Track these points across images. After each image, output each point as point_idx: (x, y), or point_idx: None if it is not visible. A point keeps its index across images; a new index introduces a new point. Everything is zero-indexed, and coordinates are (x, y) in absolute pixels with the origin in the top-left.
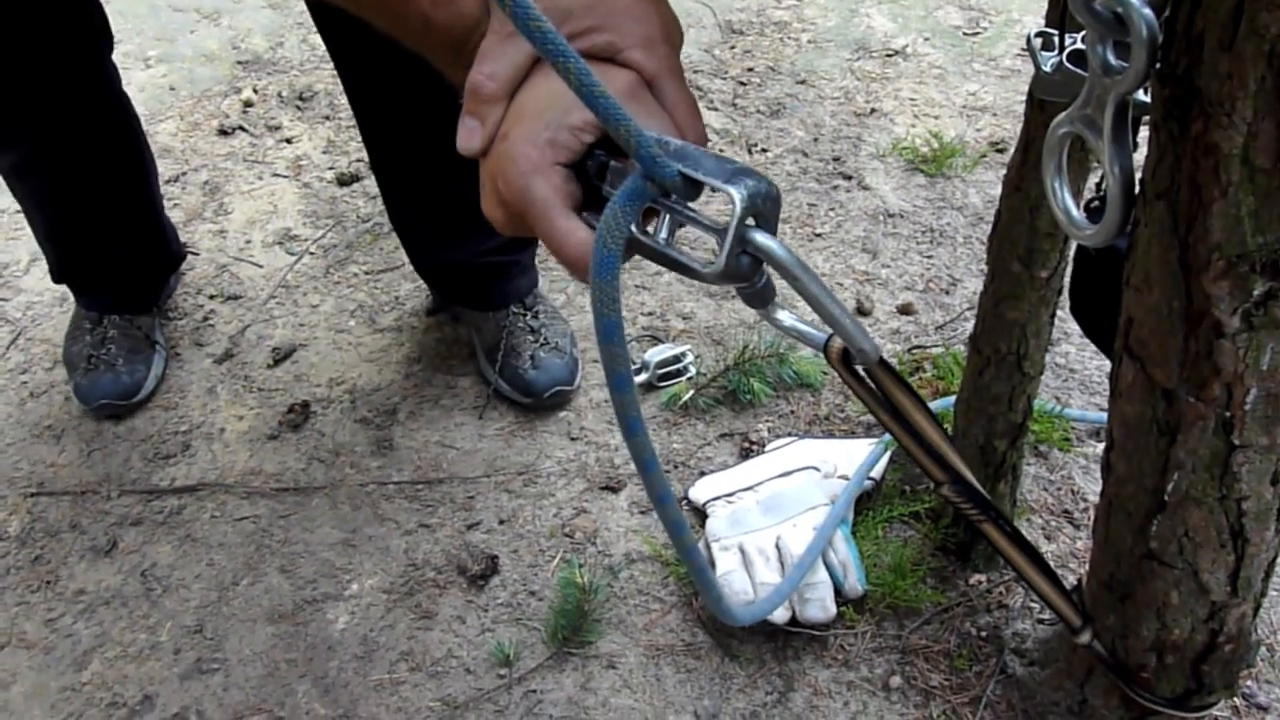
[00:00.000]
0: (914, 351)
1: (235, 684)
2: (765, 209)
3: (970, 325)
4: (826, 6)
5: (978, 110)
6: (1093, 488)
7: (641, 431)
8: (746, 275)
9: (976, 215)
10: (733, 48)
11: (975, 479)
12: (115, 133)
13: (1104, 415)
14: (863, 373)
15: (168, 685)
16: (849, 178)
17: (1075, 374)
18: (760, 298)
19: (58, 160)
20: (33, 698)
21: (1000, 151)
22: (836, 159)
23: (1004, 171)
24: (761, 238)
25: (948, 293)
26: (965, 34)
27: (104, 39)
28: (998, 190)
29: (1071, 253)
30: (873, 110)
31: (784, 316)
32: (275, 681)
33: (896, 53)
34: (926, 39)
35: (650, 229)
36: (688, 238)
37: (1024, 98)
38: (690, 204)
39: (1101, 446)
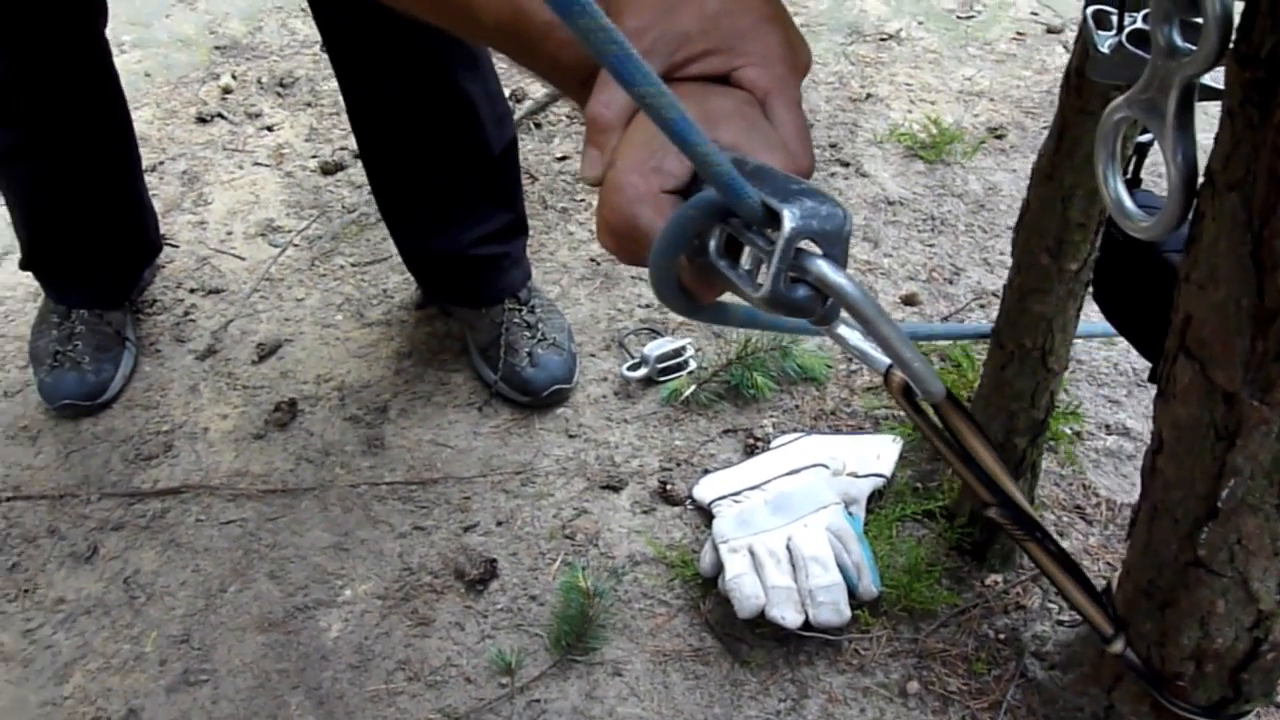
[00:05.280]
0: (920, 344)
1: (224, 696)
2: (828, 234)
3: (975, 316)
4: None
5: (974, 95)
6: (1104, 483)
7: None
8: (804, 308)
9: (977, 203)
10: None
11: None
12: (106, 107)
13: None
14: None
15: (153, 698)
16: (846, 164)
17: (1083, 365)
18: (824, 319)
19: (51, 135)
20: (11, 713)
21: (999, 137)
22: (833, 145)
23: (1002, 157)
24: (826, 269)
25: (951, 282)
26: (959, 17)
27: (100, 10)
28: (998, 177)
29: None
30: (868, 95)
31: (848, 334)
32: (266, 693)
33: (890, 36)
34: (920, 22)
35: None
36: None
37: (1019, 83)
38: (769, 230)
39: (1113, 440)
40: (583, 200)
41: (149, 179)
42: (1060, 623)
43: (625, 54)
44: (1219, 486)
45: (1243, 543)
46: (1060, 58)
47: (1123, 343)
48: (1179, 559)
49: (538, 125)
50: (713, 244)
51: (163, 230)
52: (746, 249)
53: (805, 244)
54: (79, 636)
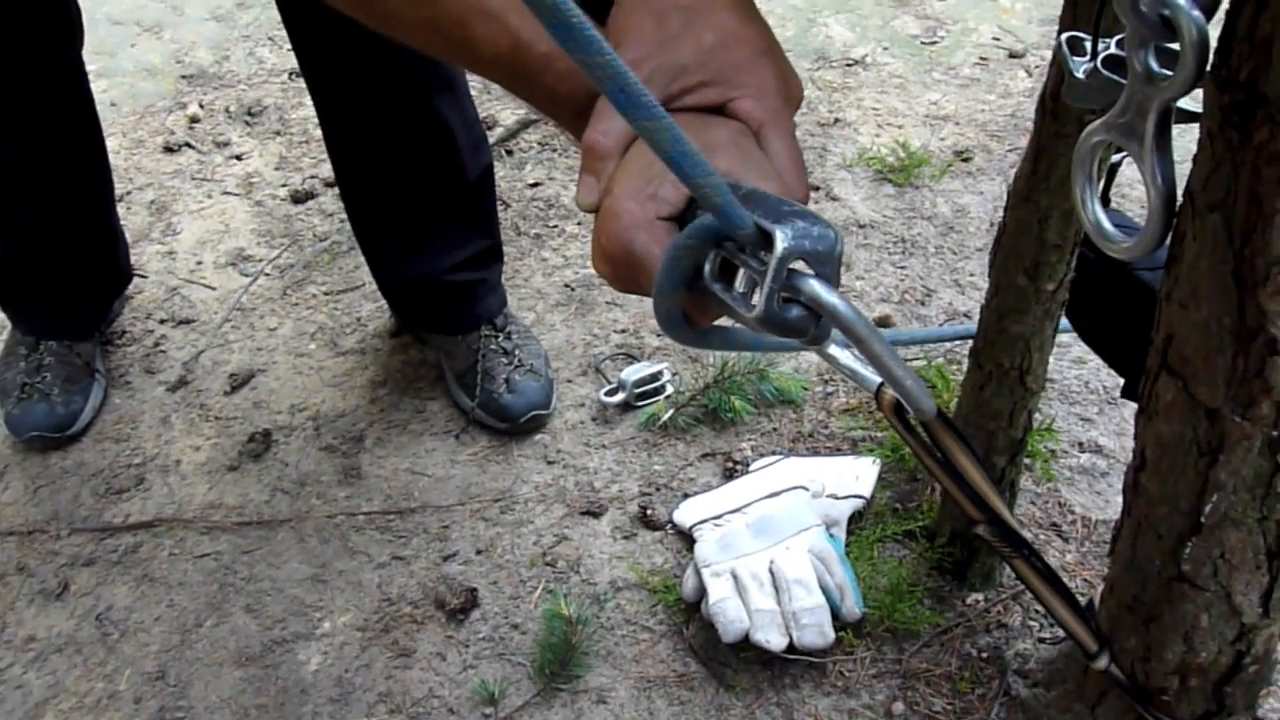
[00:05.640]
0: None
1: None
2: (819, 254)
3: None
4: (784, 16)
5: (940, 119)
6: (1079, 500)
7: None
8: (797, 328)
9: (946, 225)
10: None
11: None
12: (82, 133)
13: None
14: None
15: None
16: (817, 188)
17: (1055, 384)
18: (815, 339)
19: (26, 162)
20: None
21: (966, 160)
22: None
23: (970, 180)
24: (819, 288)
25: (923, 304)
26: (923, 43)
27: (76, 32)
28: (966, 199)
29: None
30: (836, 120)
31: (839, 354)
32: None
33: (856, 62)
34: (885, 48)
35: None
36: None
37: (984, 107)
38: (763, 252)
39: (1087, 457)
40: (556, 227)
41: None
42: (1042, 640)
43: (625, 83)
44: (1202, 502)
45: (1226, 557)
46: (1023, 82)
47: (1094, 361)
48: (1163, 574)
49: (509, 152)
50: (708, 268)
51: (132, 260)
52: (741, 271)
53: (798, 264)
54: (50, 675)
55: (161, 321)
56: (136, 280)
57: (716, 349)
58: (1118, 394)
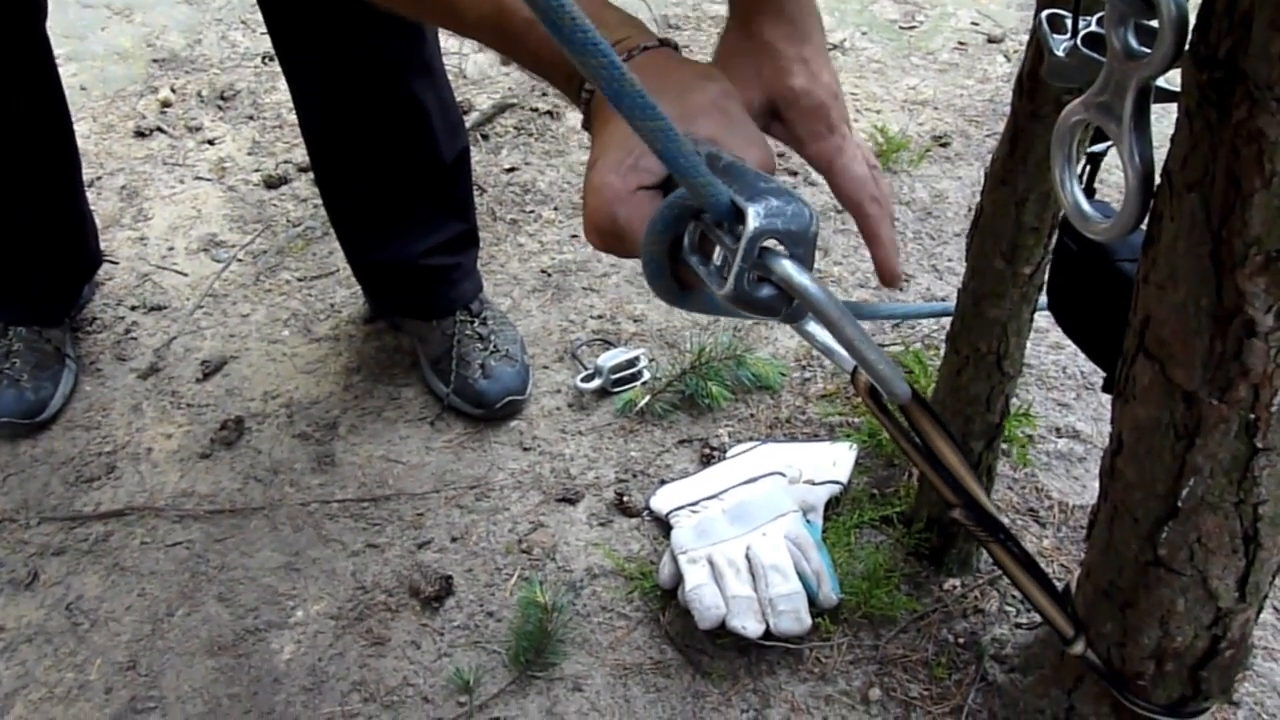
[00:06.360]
0: None
1: None
2: (793, 234)
3: (927, 322)
4: None
5: (918, 104)
6: (1056, 485)
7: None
8: (768, 307)
9: (924, 210)
10: None
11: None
12: (49, 111)
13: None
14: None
15: None
16: (794, 174)
17: (1032, 369)
18: (790, 316)
19: None
20: None
21: (944, 145)
22: (781, 154)
23: (948, 165)
24: (790, 269)
25: (901, 289)
26: (901, 28)
27: (40, 7)
28: (944, 184)
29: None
30: None
31: (817, 331)
32: (217, 719)
33: (835, 46)
34: (864, 33)
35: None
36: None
37: (963, 92)
38: (738, 227)
39: (1064, 443)
40: (532, 212)
41: (87, 195)
42: (1019, 625)
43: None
44: (1179, 486)
45: (1202, 541)
46: (1001, 67)
47: (1071, 346)
48: (1139, 559)
49: (485, 137)
50: (686, 241)
51: (102, 246)
52: (718, 246)
53: (772, 243)
54: (20, 666)
55: (133, 308)
56: (107, 266)
57: (712, 314)
58: (1095, 380)
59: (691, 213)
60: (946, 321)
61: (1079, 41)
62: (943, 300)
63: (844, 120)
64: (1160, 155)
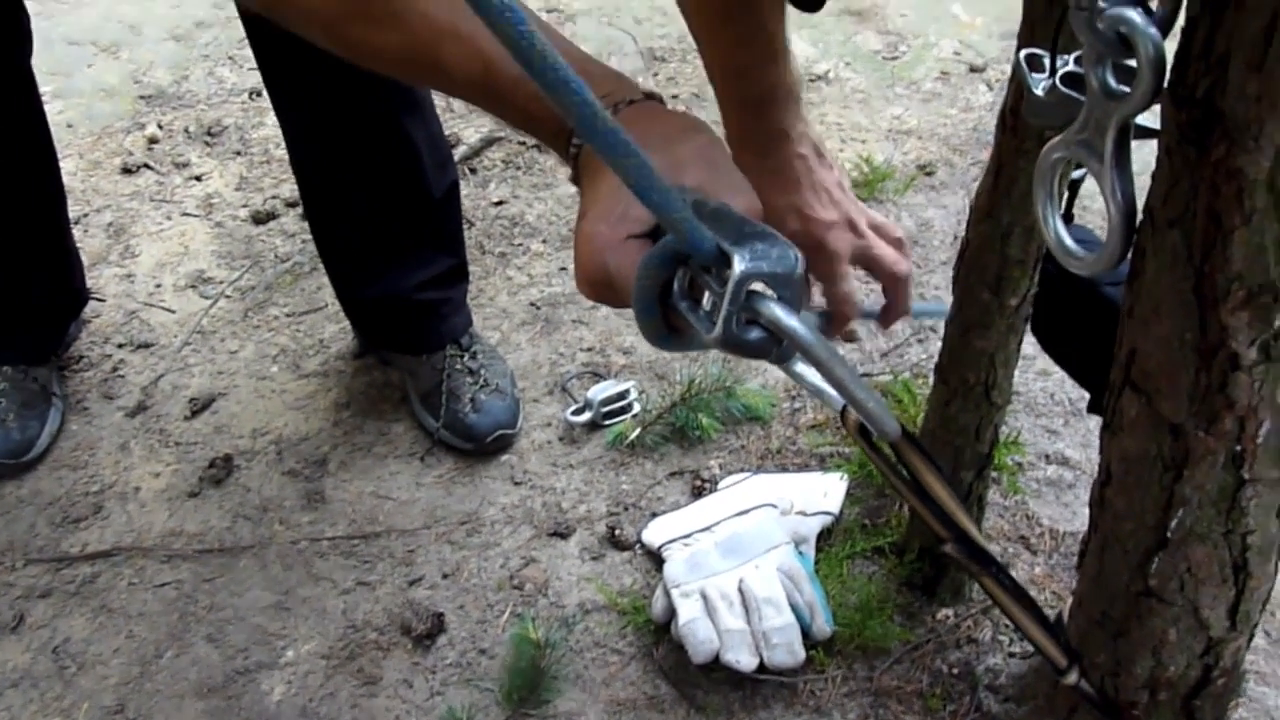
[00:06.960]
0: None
1: None
2: (779, 276)
3: (914, 350)
4: None
5: (903, 134)
6: (1046, 512)
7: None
8: (758, 349)
9: (910, 239)
10: (655, 75)
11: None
12: (33, 146)
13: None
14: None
15: None
16: None
17: (1020, 396)
18: (780, 357)
19: None
20: None
21: (929, 174)
22: None
23: (933, 194)
24: (778, 311)
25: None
26: (885, 58)
27: (26, 39)
28: (929, 214)
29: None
30: None
31: (806, 372)
32: None
33: (819, 78)
34: (848, 64)
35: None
36: None
37: (946, 121)
38: (726, 272)
39: (1053, 470)
40: (521, 245)
41: (74, 232)
42: (1013, 655)
43: (588, 110)
44: (1168, 517)
45: (1192, 571)
46: (984, 95)
47: (1059, 373)
48: (1130, 589)
49: (473, 170)
50: (676, 286)
51: (89, 284)
52: (706, 291)
53: (759, 286)
54: (5, 711)
55: (120, 345)
56: (94, 304)
57: (695, 350)
58: (1083, 406)
59: (680, 258)
60: (935, 351)
61: (1058, 80)
62: (930, 329)
63: (847, 245)
64: (1142, 183)
